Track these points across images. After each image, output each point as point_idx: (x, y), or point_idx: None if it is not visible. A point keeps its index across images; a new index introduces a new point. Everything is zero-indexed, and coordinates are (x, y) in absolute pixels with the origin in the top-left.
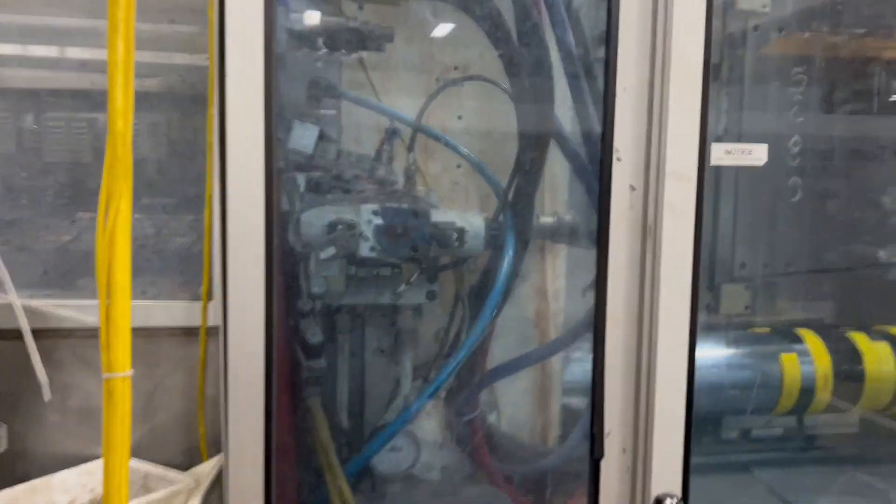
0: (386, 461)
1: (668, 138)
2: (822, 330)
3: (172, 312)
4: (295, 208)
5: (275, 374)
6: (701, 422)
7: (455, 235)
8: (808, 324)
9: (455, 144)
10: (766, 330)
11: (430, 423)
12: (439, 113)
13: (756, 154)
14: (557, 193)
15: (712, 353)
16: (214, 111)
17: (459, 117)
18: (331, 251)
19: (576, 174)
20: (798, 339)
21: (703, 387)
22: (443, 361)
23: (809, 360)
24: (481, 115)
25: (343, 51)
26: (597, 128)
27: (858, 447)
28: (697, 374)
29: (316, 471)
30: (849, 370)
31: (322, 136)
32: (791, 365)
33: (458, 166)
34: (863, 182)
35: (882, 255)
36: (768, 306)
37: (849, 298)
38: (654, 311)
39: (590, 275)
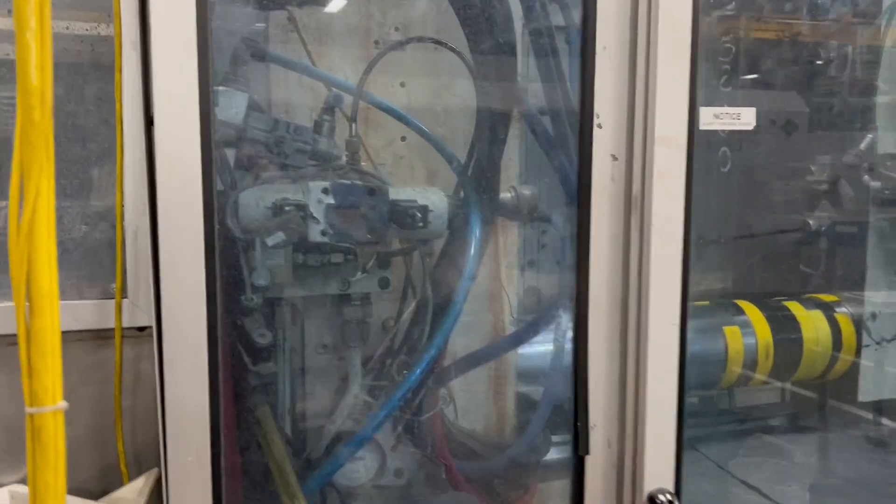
0: (348, 473)
1: (657, 101)
2: (757, 300)
3: (79, 314)
4: (228, 189)
5: (221, 382)
6: None
7: (419, 215)
8: (743, 295)
9: (404, 114)
10: (706, 303)
11: (385, 424)
12: (380, 79)
13: (744, 118)
14: (510, 168)
15: None
16: (125, 77)
17: (402, 84)
18: (279, 237)
19: (540, 145)
20: (739, 311)
21: None
22: (404, 356)
23: (751, 331)
24: (427, 82)
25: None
26: (561, 94)
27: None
28: None
29: (271, 493)
30: (787, 340)
31: (251, 105)
32: (734, 337)
33: (403, 139)
34: (788, 154)
35: (811, 223)
36: (700, 278)
37: (774, 268)
38: (643, 291)
39: (544, 252)
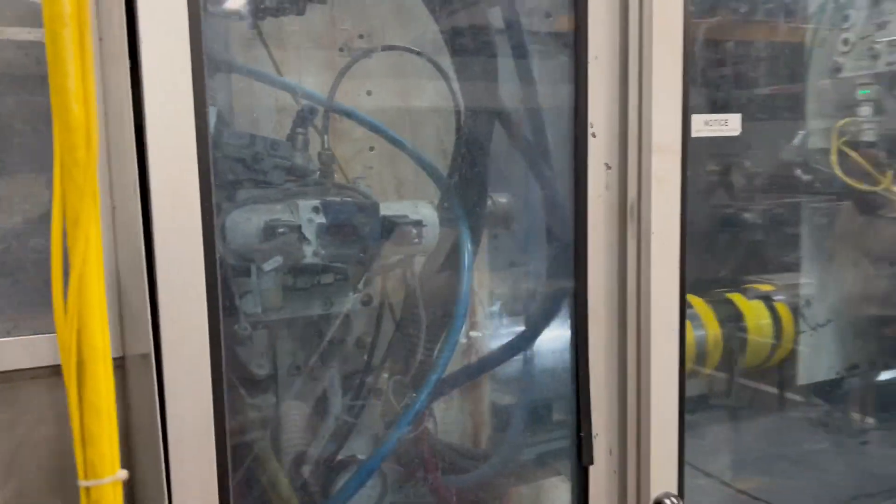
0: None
1: (654, 110)
2: (702, 293)
3: (36, 349)
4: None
5: (227, 419)
6: None
7: (414, 231)
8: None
9: (381, 126)
10: None
11: (359, 442)
12: (346, 88)
13: (731, 124)
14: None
15: None
16: (100, 87)
17: (369, 93)
18: (277, 261)
19: (521, 153)
20: (688, 304)
21: None
22: (397, 375)
23: (700, 324)
24: (393, 90)
25: (257, 15)
26: (542, 101)
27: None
28: None
29: None
30: (733, 330)
31: (220, 120)
32: (686, 331)
33: (372, 149)
34: (722, 147)
35: (747, 216)
36: None
37: (714, 260)
38: (643, 298)
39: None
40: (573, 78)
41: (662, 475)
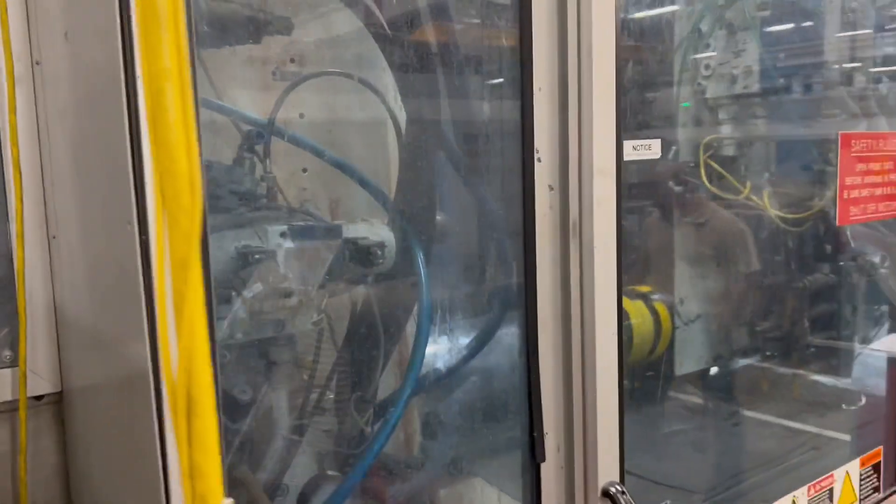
0: None
1: (594, 136)
2: None
3: None
4: None
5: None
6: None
7: (379, 252)
8: None
9: (323, 150)
10: None
11: (305, 460)
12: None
13: (654, 148)
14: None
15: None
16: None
17: (301, 115)
18: (258, 287)
19: (458, 171)
20: None
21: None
22: (360, 391)
23: None
24: (324, 111)
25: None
26: (480, 122)
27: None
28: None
29: None
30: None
31: None
32: None
33: (305, 170)
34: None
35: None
36: None
37: None
38: (586, 307)
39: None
40: (521, 107)
41: (607, 466)
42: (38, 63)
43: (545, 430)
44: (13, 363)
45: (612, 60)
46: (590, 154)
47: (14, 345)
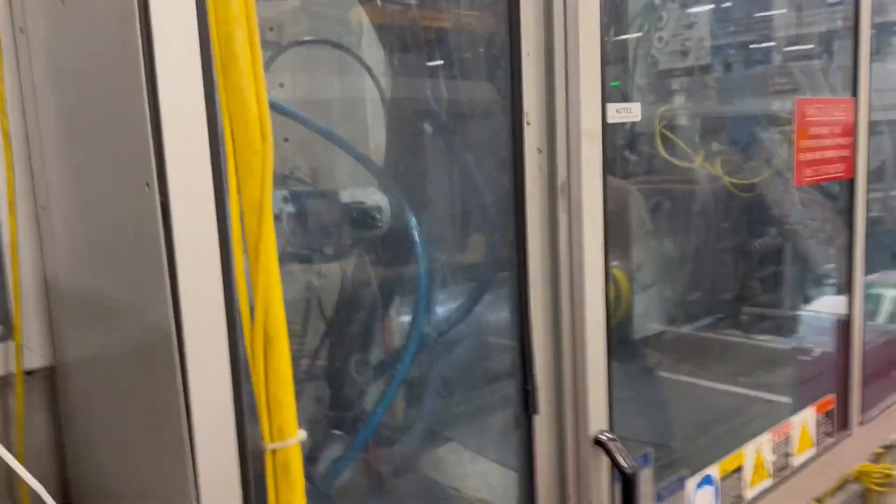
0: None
1: (582, 99)
2: None
3: None
4: None
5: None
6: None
7: (377, 216)
8: None
9: (307, 118)
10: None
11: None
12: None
13: (634, 111)
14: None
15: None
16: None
17: (281, 85)
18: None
19: (445, 136)
20: None
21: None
22: (359, 353)
23: None
24: (305, 80)
25: None
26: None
27: None
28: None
29: None
30: None
31: None
32: None
33: (286, 140)
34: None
35: None
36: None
37: None
38: (575, 265)
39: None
40: (510, 73)
41: (597, 417)
42: (21, 31)
43: (538, 384)
44: (4, 338)
45: (596, 25)
46: (577, 117)
47: (5, 319)
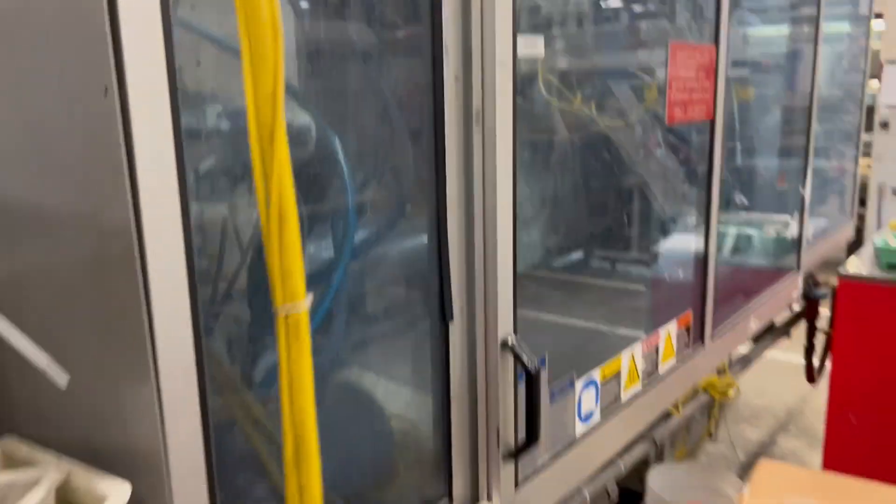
0: None
1: (497, 31)
2: None
3: None
4: None
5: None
6: None
7: (305, 137)
8: None
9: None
10: None
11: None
12: None
13: (538, 46)
14: None
15: None
16: None
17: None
18: (210, 163)
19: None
20: None
21: None
22: None
23: None
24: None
25: None
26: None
27: None
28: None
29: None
30: None
31: None
32: None
33: (199, 63)
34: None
35: None
36: None
37: None
38: (487, 189)
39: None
40: (430, 5)
41: (505, 322)
42: None
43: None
44: None
45: None
46: (492, 46)
47: None
